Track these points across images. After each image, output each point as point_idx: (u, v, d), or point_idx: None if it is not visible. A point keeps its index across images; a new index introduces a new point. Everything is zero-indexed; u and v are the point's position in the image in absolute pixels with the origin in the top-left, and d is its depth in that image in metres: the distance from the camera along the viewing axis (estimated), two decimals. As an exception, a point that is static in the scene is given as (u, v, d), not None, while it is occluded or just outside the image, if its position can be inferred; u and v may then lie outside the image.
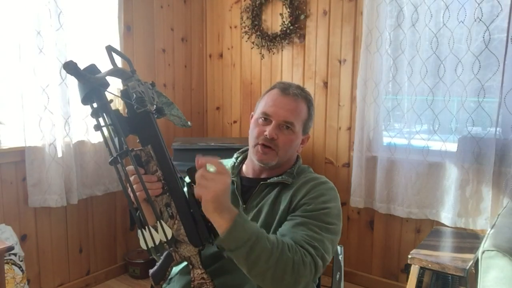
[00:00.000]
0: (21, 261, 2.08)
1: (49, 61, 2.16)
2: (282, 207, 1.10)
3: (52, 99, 2.17)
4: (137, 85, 0.89)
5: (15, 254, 2.03)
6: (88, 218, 2.53)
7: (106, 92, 0.87)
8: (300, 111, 1.15)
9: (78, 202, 2.33)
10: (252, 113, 1.23)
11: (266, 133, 1.11)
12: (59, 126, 2.22)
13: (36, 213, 2.27)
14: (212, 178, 0.88)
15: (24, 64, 2.09)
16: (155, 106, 0.92)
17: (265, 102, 1.15)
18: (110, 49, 0.90)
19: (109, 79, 0.88)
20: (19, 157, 2.15)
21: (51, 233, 2.35)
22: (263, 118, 1.14)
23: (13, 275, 2.03)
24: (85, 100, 0.86)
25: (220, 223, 0.89)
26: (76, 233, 2.48)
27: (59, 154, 2.22)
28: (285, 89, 1.15)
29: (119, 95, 0.92)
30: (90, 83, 0.82)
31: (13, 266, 2.03)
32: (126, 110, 0.93)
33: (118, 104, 2.31)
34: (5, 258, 1.95)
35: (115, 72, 0.88)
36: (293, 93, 1.14)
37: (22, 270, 2.07)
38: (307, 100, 1.17)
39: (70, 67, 0.78)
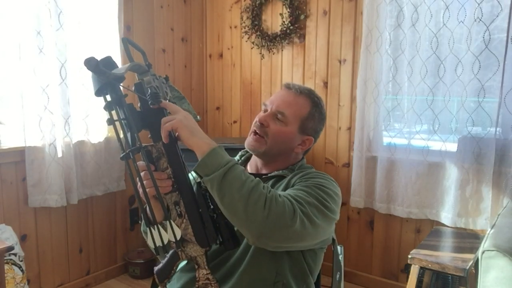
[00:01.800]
0: (21, 261, 2.07)
1: (49, 61, 2.16)
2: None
3: (52, 99, 2.17)
4: (152, 80, 0.88)
5: (15, 254, 2.03)
6: (88, 218, 2.53)
7: (123, 86, 0.86)
8: (296, 105, 1.14)
9: (78, 202, 2.33)
10: None
11: (257, 118, 1.13)
12: (59, 126, 2.22)
13: (36, 213, 2.27)
14: (174, 110, 0.91)
15: (24, 64, 2.09)
16: (167, 101, 0.91)
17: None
18: (126, 41, 0.88)
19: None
20: (19, 157, 2.15)
21: (51, 233, 2.35)
22: (263, 110, 1.16)
23: (13, 275, 2.03)
24: (99, 93, 0.85)
25: (200, 146, 0.90)
26: (76, 233, 2.48)
27: (59, 154, 2.22)
28: (289, 84, 1.17)
29: (133, 89, 0.90)
30: (110, 80, 0.81)
31: (13, 266, 2.03)
32: (139, 104, 0.92)
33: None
34: (5, 258, 1.95)
35: (134, 67, 0.87)
36: (296, 88, 1.16)
37: (22, 270, 2.07)
38: (311, 99, 1.16)
39: (91, 64, 0.77)
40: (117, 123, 0.86)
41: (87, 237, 2.54)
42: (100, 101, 0.87)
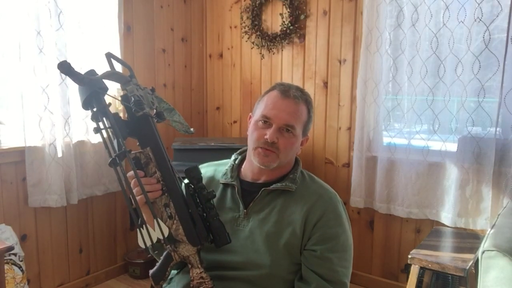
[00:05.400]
0: (21, 261, 2.08)
1: (49, 61, 2.16)
2: (294, 219, 1.09)
3: (52, 99, 2.17)
4: (135, 89, 0.91)
5: (15, 254, 2.03)
6: (88, 218, 2.53)
7: (107, 96, 0.89)
8: (301, 114, 1.12)
9: (78, 202, 2.33)
10: (250, 113, 1.20)
11: (267, 137, 1.08)
12: (59, 126, 2.22)
13: (36, 213, 2.26)
14: None
15: (24, 64, 2.08)
16: (155, 110, 0.94)
17: (265, 104, 1.12)
18: (109, 56, 0.92)
19: (109, 84, 0.90)
20: (19, 157, 2.15)
21: (51, 233, 2.35)
22: (263, 121, 1.11)
23: (13, 275, 2.03)
24: (85, 105, 0.88)
25: None
26: (76, 233, 2.48)
27: (59, 154, 2.22)
28: (286, 91, 1.12)
29: (119, 98, 0.94)
30: (85, 83, 0.84)
31: (13, 266, 2.03)
32: (126, 114, 0.95)
33: (117, 106, 2.31)
34: (5, 258, 1.95)
35: (112, 75, 0.90)
36: (294, 95, 1.11)
37: (22, 270, 2.07)
38: (307, 102, 1.15)
39: (64, 66, 0.80)
40: (105, 132, 0.89)
41: (87, 237, 2.54)
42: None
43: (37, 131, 2.15)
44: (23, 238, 2.22)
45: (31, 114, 2.13)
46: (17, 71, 2.09)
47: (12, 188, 2.17)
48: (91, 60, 2.32)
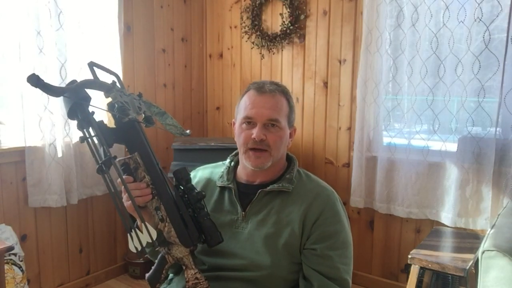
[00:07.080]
0: (21, 261, 2.08)
1: (49, 61, 2.16)
2: (292, 218, 1.09)
3: (52, 99, 2.17)
4: (118, 96, 0.91)
5: (15, 254, 2.03)
6: (88, 218, 2.53)
7: (93, 106, 0.89)
8: (281, 106, 1.13)
9: (78, 202, 2.33)
10: (233, 120, 1.20)
11: (254, 136, 1.08)
12: (59, 126, 2.22)
13: (36, 213, 2.26)
14: None
15: (24, 64, 2.08)
16: (143, 115, 0.94)
17: (245, 106, 1.13)
18: (92, 65, 0.93)
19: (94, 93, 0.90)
20: (19, 157, 2.15)
21: (51, 233, 2.35)
22: (246, 122, 1.12)
23: (13, 275, 2.03)
24: (71, 114, 0.89)
25: None
26: (76, 233, 2.48)
27: (59, 154, 2.22)
28: (261, 87, 1.13)
29: (106, 108, 0.94)
30: (58, 94, 0.84)
31: (13, 266, 2.03)
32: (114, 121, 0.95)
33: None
34: (5, 258, 1.95)
35: (92, 84, 0.90)
36: (269, 89, 1.12)
37: (22, 270, 2.07)
38: (284, 93, 1.16)
39: (33, 79, 0.79)
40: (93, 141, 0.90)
41: (87, 237, 2.54)
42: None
43: (37, 131, 2.15)
44: (23, 238, 2.22)
45: (31, 114, 2.13)
46: (17, 71, 2.08)
47: (12, 188, 2.17)
48: (91, 60, 2.32)
